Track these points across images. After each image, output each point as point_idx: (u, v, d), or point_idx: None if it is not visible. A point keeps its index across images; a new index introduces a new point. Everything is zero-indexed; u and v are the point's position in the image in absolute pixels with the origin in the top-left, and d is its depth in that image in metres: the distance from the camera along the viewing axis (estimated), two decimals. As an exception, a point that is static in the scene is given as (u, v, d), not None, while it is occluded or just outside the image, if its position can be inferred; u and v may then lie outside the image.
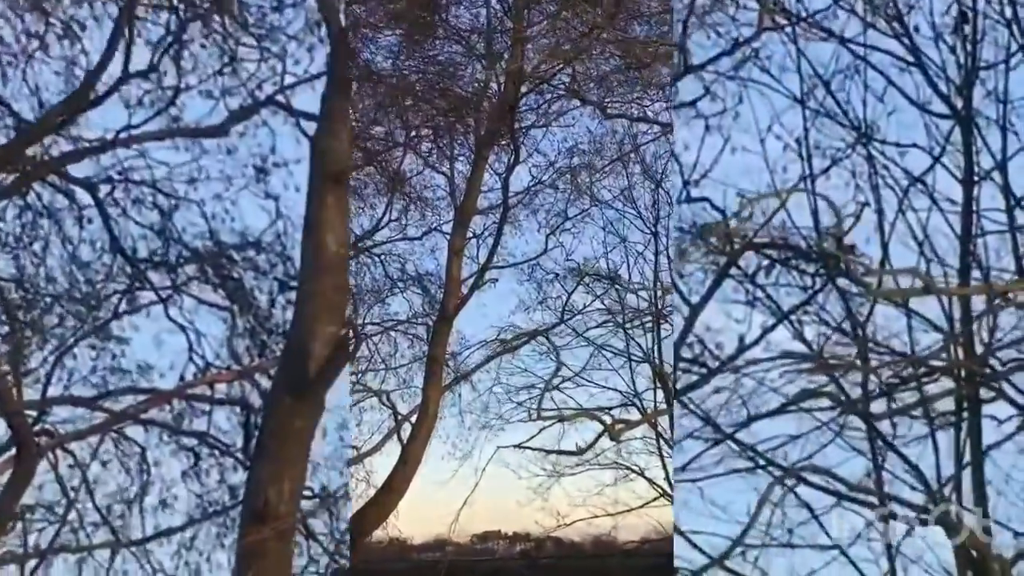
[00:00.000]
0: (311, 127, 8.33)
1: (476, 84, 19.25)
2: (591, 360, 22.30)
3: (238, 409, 8.96)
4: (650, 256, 22.23)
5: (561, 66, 18.40)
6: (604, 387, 22.43)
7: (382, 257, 20.77)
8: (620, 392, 22.44)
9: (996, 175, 8.56)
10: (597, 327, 22.29)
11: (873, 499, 8.52)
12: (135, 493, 9.23)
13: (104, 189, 9.11)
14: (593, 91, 19.21)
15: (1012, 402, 8.35)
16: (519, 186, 20.30)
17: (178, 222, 9.28)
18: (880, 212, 8.54)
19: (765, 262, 8.48)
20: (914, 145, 8.63)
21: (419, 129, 19.35)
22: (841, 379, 8.49)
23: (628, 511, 22.19)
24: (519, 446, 21.21)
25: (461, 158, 19.91)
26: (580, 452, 21.29)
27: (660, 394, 22.10)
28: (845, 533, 8.54)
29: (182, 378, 9.16)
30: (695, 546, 8.40)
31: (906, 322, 8.54)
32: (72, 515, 9.15)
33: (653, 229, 22.29)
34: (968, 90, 8.61)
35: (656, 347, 22.07)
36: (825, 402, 8.39)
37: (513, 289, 21.77)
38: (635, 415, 22.07)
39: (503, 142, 18.92)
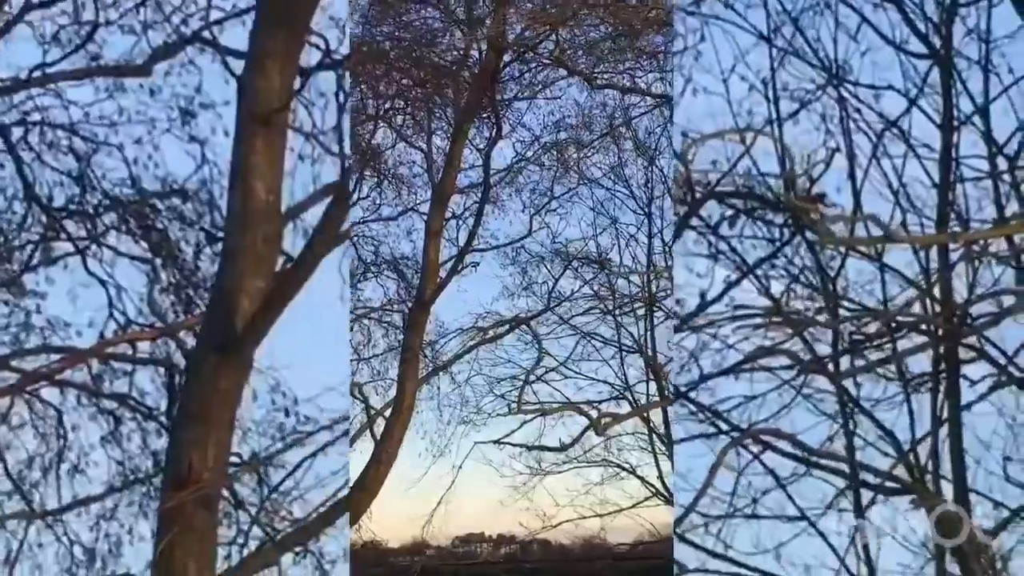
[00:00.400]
0: (241, 67, 8.01)
1: (455, 52, 18.91)
2: (579, 350, 21.86)
3: (161, 370, 8.63)
4: (643, 238, 21.82)
5: (547, 32, 18.05)
6: (593, 379, 21.94)
7: (354, 239, 20.32)
8: (610, 384, 21.99)
9: (977, 119, 8.18)
10: (582, 314, 21.75)
11: (843, 466, 8.25)
12: (50, 460, 8.89)
13: (17, 132, 8.81)
14: (581, 60, 18.85)
15: (991, 360, 8.02)
16: (502, 163, 19.90)
17: (97, 168, 8.97)
18: (852, 158, 8.21)
19: (729, 212, 8.15)
20: (889, 87, 8.28)
21: (393, 100, 18.97)
22: (809, 338, 8.21)
23: (619, 511, 21.75)
24: (498, 442, 20.77)
25: (439, 132, 19.53)
26: (563, 448, 20.72)
27: (653, 386, 21.71)
28: (814, 503, 8.28)
29: (101, 336, 8.82)
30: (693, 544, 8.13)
31: (879, 277, 8.26)
32: (-19, 483, 8.81)
33: (646, 209, 21.86)
34: (947, 28, 8.23)
35: (648, 335, 21.66)
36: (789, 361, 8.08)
37: (495, 274, 21.28)
38: (627, 409, 21.66)
39: (484, 115, 18.56)
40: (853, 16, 8.29)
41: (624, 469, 21.87)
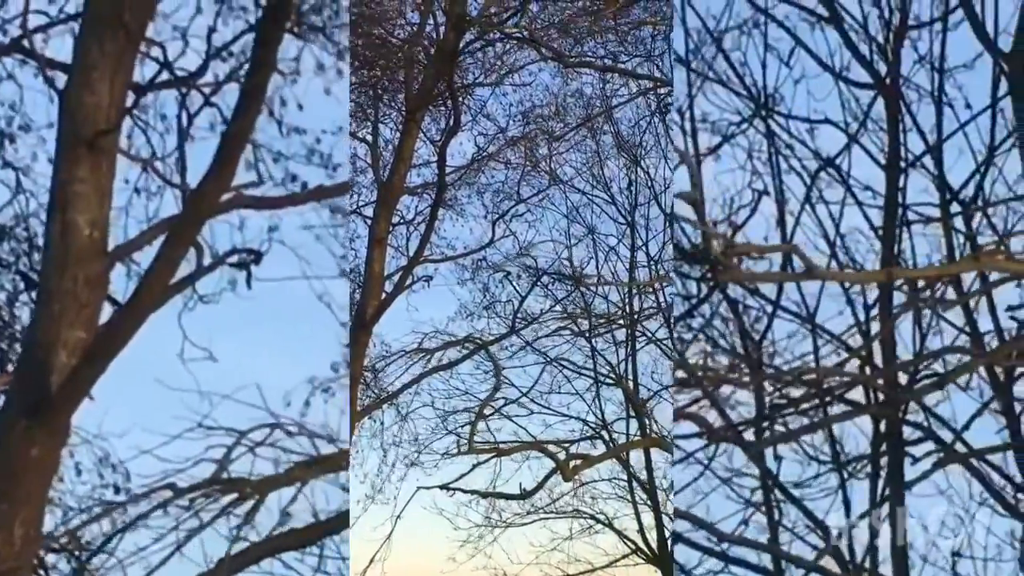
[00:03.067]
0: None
1: (408, 28, 18.94)
2: (547, 380, 21.78)
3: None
4: (624, 251, 21.76)
5: (515, 6, 18.08)
6: (563, 415, 21.91)
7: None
8: (583, 421, 21.89)
9: (928, 160, 8.21)
10: (551, 335, 21.67)
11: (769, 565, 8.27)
12: None
13: None
14: (555, 41, 18.89)
15: (934, 437, 8.04)
16: (460, 159, 19.95)
17: None
18: (781, 203, 8.22)
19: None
20: (826, 120, 8.31)
21: (332, 83, 18.99)
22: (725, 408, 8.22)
23: (592, 571, 21.80)
24: (444, 487, 20.77)
25: (386, 121, 19.58)
26: (524, 496, 20.63)
27: (634, 424, 21.61)
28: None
29: None
30: None
31: (811, 341, 8.26)
32: None
33: (628, 218, 21.78)
34: (895, 54, 8.23)
35: (629, 363, 21.58)
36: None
37: (451, 290, 21.39)
38: (603, 450, 21.44)
39: (440, 102, 18.56)
40: (785, 38, 8.30)
41: (598, 521, 21.88)
